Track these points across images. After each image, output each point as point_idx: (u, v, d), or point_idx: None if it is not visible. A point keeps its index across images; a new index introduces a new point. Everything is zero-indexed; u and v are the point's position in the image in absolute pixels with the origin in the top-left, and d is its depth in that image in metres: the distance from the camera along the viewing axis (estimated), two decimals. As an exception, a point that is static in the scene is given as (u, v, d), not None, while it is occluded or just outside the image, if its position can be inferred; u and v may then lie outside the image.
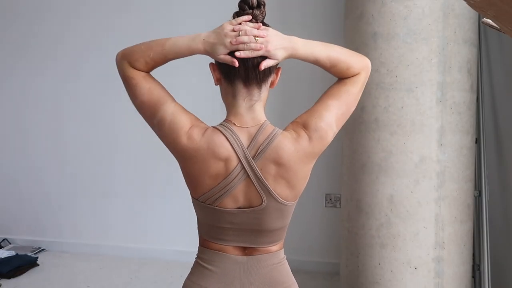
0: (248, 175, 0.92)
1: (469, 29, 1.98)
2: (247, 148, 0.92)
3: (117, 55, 0.97)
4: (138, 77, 0.94)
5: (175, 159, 0.97)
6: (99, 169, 3.51)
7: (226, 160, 0.91)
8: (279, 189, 0.93)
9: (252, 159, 0.91)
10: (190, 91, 3.09)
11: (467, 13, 1.95)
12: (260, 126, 0.94)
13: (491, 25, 0.83)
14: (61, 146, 3.56)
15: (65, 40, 3.52)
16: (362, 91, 1.01)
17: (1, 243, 3.59)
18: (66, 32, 3.51)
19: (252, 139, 0.93)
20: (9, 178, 3.68)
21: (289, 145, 0.92)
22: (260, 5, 0.93)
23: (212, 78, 0.99)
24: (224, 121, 0.97)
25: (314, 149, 0.94)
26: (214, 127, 0.94)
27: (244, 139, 0.93)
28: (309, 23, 3.04)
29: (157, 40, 0.95)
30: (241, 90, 0.94)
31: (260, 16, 0.93)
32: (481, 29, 2.30)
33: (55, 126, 3.57)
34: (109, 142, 3.48)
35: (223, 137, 0.91)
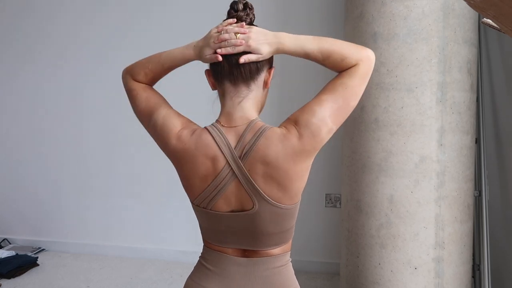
0: (236, 176, 0.90)
1: (469, 29, 1.98)
2: (234, 148, 0.90)
3: (123, 71, 1.05)
4: (138, 88, 1.01)
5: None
6: (99, 169, 3.51)
7: (213, 160, 0.90)
8: (270, 191, 0.90)
9: (239, 158, 0.90)
10: (190, 94, 3.10)
11: (467, 13, 1.95)
12: (248, 125, 0.92)
13: (491, 25, 0.83)
14: (61, 146, 3.57)
15: (74, 42, 3.52)
16: (364, 84, 0.93)
17: (1, 243, 3.59)
18: (52, 26, 3.51)
19: (240, 138, 0.91)
20: (8, 179, 3.68)
21: (276, 142, 0.88)
22: (246, 8, 0.96)
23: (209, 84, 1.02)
24: (215, 121, 0.97)
25: (305, 147, 0.88)
26: (204, 127, 0.95)
27: (231, 139, 0.92)
28: (309, 23, 3.04)
29: (156, 53, 1.02)
30: (229, 88, 0.95)
31: (246, 17, 0.95)
32: (481, 29, 2.30)
33: (54, 126, 3.57)
34: (109, 142, 3.48)
35: (210, 137, 0.91)
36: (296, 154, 0.88)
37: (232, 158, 0.90)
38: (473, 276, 2.17)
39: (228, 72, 0.93)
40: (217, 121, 0.96)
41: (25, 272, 3.06)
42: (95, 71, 3.45)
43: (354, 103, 0.93)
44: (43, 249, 3.56)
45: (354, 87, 0.92)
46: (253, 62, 0.92)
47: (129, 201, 3.45)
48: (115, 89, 3.45)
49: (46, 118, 3.59)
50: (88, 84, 3.50)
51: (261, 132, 0.90)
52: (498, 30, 0.82)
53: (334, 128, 0.91)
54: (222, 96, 0.97)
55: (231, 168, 0.90)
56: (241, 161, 0.90)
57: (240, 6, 0.95)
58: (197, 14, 3.19)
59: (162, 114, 0.96)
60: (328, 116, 0.89)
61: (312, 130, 0.88)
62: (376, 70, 1.95)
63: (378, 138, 1.95)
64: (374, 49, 1.96)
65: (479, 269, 2.19)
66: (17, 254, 3.22)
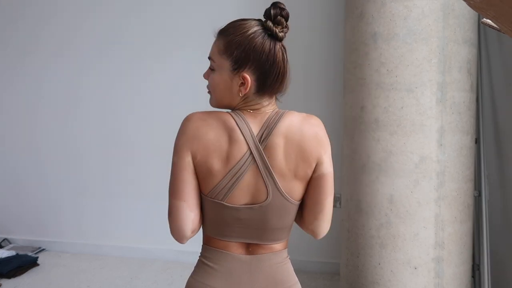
0: (255, 161, 0.93)
1: (469, 29, 1.98)
2: (257, 134, 0.94)
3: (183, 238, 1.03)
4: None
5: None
6: (99, 169, 3.51)
7: (233, 142, 0.93)
8: (283, 181, 0.95)
9: (260, 142, 0.93)
10: (193, 90, 3.10)
11: (467, 13, 1.95)
12: (271, 112, 0.97)
13: (491, 25, 0.83)
14: (62, 146, 3.56)
15: (72, 41, 3.52)
16: None
17: (1, 243, 3.59)
18: (74, 33, 3.52)
19: (263, 124, 0.95)
20: (9, 178, 3.68)
21: (295, 120, 0.96)
22: (288, 17, 0.96)
23: (242, 89, 0.96)
24: (236, 109, 0.99)
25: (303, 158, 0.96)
26: (226, 111, 0.97)
27: (254, 126, 0.95)
28: (309, 23, 3.04)
29: None
30: (266, 97, 0.98)
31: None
32: (481, 29, 2.30)
33: (55, 126, 3.57)
34: (109, 142, 3.48)
35: (231, 119, 0.94)
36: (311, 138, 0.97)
37: (253, 143, 0.93)
38: (473, 276, 2.17)
39: (278, 86, 0.97)
40: (240, 109, 0.98)
41: (25, 272, 3.06)
42: (92, 72, 3.45)
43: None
44: (43, 249, 3.56)
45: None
46: (287, 77, 0.98)
47: (129, 201, 3.45)
48: (113, 90, 3.48)
49: (45, 119, 3.58)
50: (85, 84, 3.50)
51: (281, 114, 0.96)
52: (498, 30, 0.82)
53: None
54: (255, 102, 0.97)
55: (251, 153, 0.93)
56: (261, 145, 0.93)
57: (288, 14, 0.95)
58: (194, 13, 3.20)
59: (184, 164, 0.96)
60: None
61: (307, 167, 0.96)
62: (376, 70, 1.95)
63: (378, 138, 1.95)
64: (374, 49, 1.96)
65: (479, 269, 2.19)
66: (17, 254, 3.22)
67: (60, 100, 3.55)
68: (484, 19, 0.76)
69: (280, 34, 0.93)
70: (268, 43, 0.93)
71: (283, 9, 0.94)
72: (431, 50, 1.89)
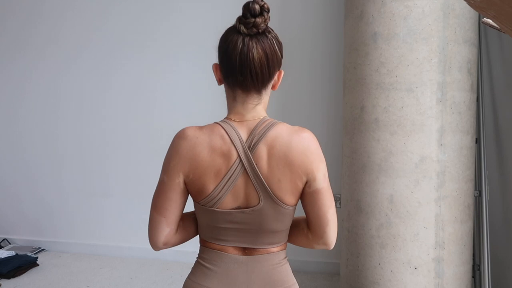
0: (245, 169, 0.92)
1: (469, 29, 1.98)
2: (245, 141, 0.93)
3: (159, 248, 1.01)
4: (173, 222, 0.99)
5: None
6: (99, 169, 3.51)
7: (226, 152, 0.92)
8: (273, 186, 0.93)
9: (249, 149, 0.92)
10: (191, 90, 3.09)
11: (467, 13, 1.95)
12: (260, 120, 0.96)
13: (491, 25, 0.83)
14: (60, 146, 3.57)
15: (60, 38, 3.53)
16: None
17: (1, 243, 3.59)
18: (61, 29, 3.53)
19: (251, 132, 0.94)
20: (8, 179, 3.68)
21: (284, 134, 0.93)
22: (263, 13, 0.89)
23: (215, 78, 1.01)
24: (225, 118, 0.99)
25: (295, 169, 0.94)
26: (215, 122, 0.96)
27: (243, 133, 0.94)
28: (309, 23, 3.04)
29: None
30: (240, 95, 0.96)
31: (263, 24, 0.90)
32: (481, 29, 2.30)
33: (54, 126, 3.57)
34: (108, 142, 3.48)
35: (222, 130, 0.93)
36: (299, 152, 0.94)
37: (243, 151, 0.92)
38: (473, 276, 2.17)
39: (242, 83, 0.93)
40: (227, 118, 0.98)
41: (25, 272, 3.06)
42: (95, 74, 3.45)
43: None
44: (43, 249, 3.56)
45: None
46: (266, 70, 0.93)
47: (129, 201, 3.45)
48: (108, 90, 3.47)
49: (46, 119, 3.59)
50: (79, 85, 3.50)
51: (271, 124, 0.94)
52: (498, 30, 0.82)
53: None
54: (233, 100, 0.97)
55: (241, 161, 0.92)
56: (250, 152, 0.92)
57: (258, 9, 0.88)
58: (198, 19, 3.20)
59: (174, 185, 0.95)
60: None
61: (300, 174, 0.94)
62: (376, 70, 1.95)
63: (378, 138, 1.95)
64: (374, 49, 1.96)
65: (479, 269, 2.19)
66: (17, 254, 3.22)
67: (51, 101, 3.55)
68: (485, 18, 0.76)
69: (242, 29, 0.90)
70: (230, 36, 0.92)
71: (254, 2, 0.89)
72: (431, 50, 1.88)
